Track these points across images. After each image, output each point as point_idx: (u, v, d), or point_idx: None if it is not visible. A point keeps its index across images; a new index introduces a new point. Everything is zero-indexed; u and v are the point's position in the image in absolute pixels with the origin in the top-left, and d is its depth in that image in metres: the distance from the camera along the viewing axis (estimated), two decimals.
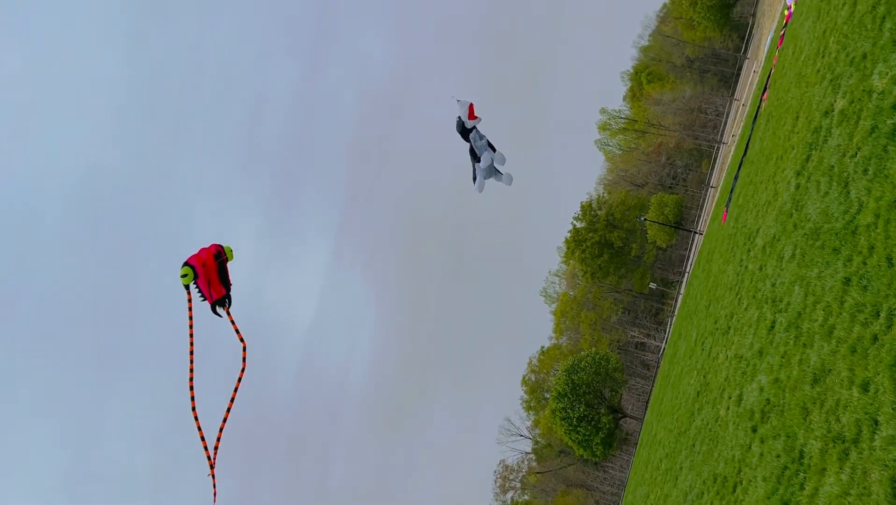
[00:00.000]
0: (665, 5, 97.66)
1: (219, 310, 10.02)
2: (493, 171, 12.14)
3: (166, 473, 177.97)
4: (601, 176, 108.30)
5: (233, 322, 9.99)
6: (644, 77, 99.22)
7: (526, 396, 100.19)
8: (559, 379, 70.32)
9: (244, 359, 10.18)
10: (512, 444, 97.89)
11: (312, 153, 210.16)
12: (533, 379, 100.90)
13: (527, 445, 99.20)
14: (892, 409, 5.97)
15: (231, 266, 10.19)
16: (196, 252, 9.70)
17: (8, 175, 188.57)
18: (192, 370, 9.80)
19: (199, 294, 9.71)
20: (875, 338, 6.87)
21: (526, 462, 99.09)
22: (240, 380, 10.19)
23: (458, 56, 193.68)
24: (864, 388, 6.73)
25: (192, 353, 9.71)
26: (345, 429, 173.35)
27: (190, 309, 9.51)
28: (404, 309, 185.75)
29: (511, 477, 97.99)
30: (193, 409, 9.85)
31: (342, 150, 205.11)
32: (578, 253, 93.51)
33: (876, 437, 6.16)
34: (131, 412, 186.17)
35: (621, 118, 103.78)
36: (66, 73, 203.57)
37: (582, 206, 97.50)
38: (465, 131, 12.00)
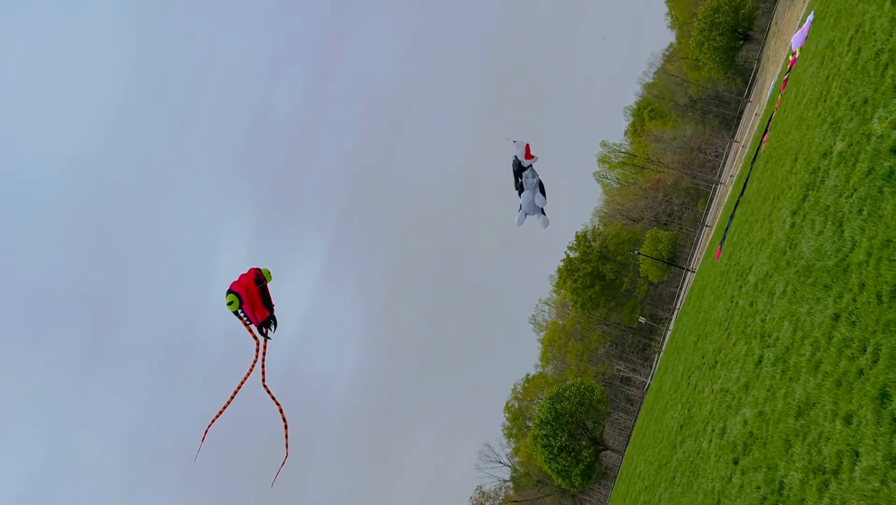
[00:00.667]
0: (672, 44, 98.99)
1: (266, 332, 10.47)
2: (535, 210, 12.71)
3: (139, 473, 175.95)
4: (597, 208, 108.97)
5: (264, 352, 10.32)
6: (646, 113, 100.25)
7: (508, 423, 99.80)
8: (543, 406, 70.12)
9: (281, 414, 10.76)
10: (490, 470, 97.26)
11: (312, 164, 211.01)
12: (516, 406, 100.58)
13: (505, 473, 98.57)
14: (874, 440, 6.06)
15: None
16: (237, 279, 10.08)
17: (6, 167, 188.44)
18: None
19: (245, 318, 10.09)
20: (861, 372, 6.97)
21: (503, 490, 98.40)
22: (287, 436, 10.75)
23: (463, 77, 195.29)
24: (847, 420, 6.82)
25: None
26: (323, 445, 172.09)
27: (250, 330, 10.08)
28: (391, 327, 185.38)
29: (487, 504, 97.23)
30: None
31: (342, 163, 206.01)
32: (570, 283, 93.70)
33: (856, 468, 6.24)
34: (109, 410, 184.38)
35: (621, 152, 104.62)
36: (72, 70, 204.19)
37: (577, 237, 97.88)
38: (520, 170, 12.57)
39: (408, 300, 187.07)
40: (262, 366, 10.46)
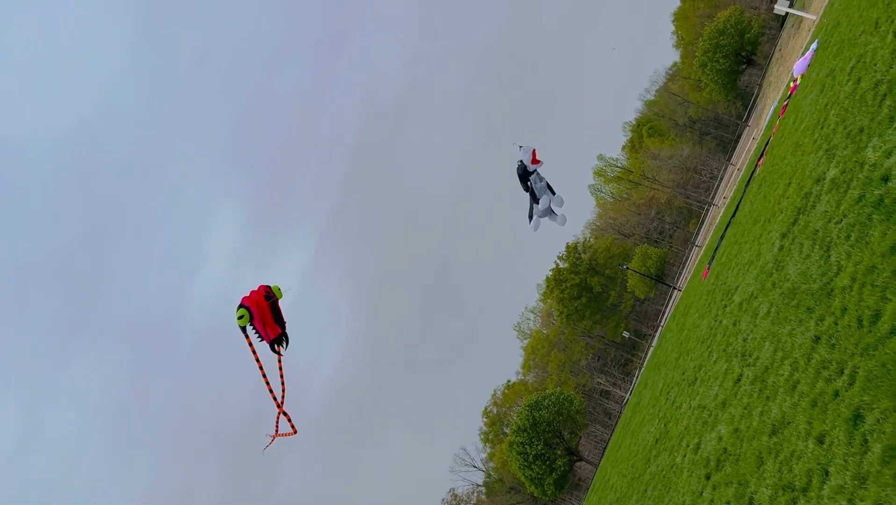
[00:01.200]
0: (675, 63, 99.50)
1: (277, 348, 10.40)
2: (548, 212, 12.80)
3: (113, 450, 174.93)
4: (590, 220, 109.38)
5: (280, 368, 10.38)
6: (645, 130, 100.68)
7: (485, 428, 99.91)
8: (521, 413, 70.25)
9: (287, 420, 10.92)
10: (464, 473, 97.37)
11: (309, 155, 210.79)
12: (495, 412, 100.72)
13: (479, 477, 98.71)
14: (845, 460, 6.14)
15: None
16: (248, 294, 10.03)
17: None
18: (275, 398, 10.29)
19: (257, 334, 10.07)
20: (836, 393, 7.05)
21: (476, 494, 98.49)
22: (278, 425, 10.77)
23: (467, 81, 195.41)
24: (820, 440, 6.90)
25: (268, 384, 10.15)
26: (297, 438, 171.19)
27: (254, 351, 9.93)
28: (376, 323, 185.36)
29: None
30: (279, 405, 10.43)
31: (339, 157, 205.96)
32: (557, 292, 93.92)
33: (825, 486, 6.31)
34: (86, 384, 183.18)
35: (617, 167, 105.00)
36: (72, 41, 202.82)
37: (567, 247, 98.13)
38: (525, 174, 12.61)
39: (395, 298, 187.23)
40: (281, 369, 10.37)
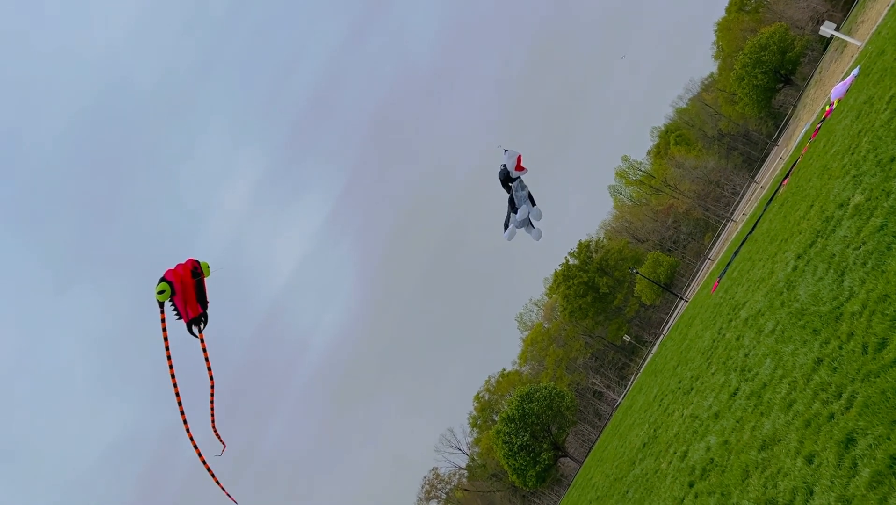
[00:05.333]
0: (712, 74, 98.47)
1: (194, 329, 9.63)
2: (525, 223, 12.24)
3: (104, 382, 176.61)
4: (605, 221, 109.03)
5: (205, 350, 9.65)
6: (673, 137, 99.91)
7: (475, 413, 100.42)
8: (511, 403, 70.53)
9: (212, 387, 10.18)
10: (448, 454, 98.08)
11: (335, 117, 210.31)
12: (486, 398, 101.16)
13: (462, 460, 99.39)
14: (831, 481, 6.14)
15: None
16: (173, 267, 9.26)
17: (28, 55, 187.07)
18: (175, 384, 9.22)
19: (175, 312, 9.30)
20: (832, 416, 7.04)
21: (457, 476, 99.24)
22: (213, 401, 10.29)
23: (502, 61, 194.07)
24: (809, 460, 6.90)
25: (173, 377, 9.17)
26: (292, 393, 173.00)
27: (164, 330, 8.97)
28: (381, 292, 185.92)
29: (439, 486, 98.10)
30: (192, 438, 9.65)
31: (364, 122, 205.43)
32: (564, 288, 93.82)
33: (808, 504, 6.33)
34: (86, 314, 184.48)
35: (640, 171, 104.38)
36: None
37: (580, 245, 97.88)
38: (507, 179, 12.04)
39: (403, 269, 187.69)
40: (203, 343, 9.64)
